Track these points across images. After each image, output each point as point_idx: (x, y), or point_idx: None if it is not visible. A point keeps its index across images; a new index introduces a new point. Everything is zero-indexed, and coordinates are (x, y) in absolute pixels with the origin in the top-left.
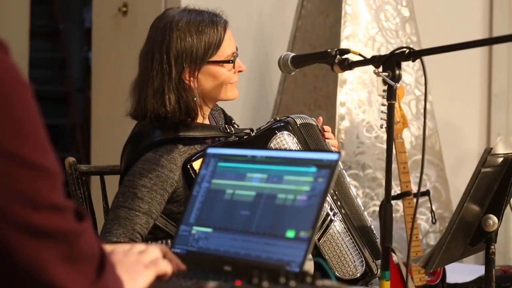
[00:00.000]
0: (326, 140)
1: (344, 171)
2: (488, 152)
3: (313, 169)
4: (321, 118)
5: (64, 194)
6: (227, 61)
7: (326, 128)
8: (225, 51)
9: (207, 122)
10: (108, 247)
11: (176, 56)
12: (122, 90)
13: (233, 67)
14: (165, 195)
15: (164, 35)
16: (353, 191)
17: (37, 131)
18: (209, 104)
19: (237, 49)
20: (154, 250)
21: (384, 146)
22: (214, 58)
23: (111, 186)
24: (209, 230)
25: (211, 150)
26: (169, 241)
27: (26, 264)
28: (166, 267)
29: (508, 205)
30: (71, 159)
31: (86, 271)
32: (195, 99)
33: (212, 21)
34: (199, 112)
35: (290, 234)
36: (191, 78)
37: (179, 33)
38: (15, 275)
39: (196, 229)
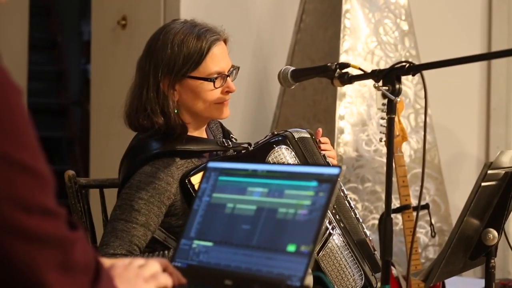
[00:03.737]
0: (323, 152)
1: (341, 183)
2: (488, 166)
3: (314, 184)
4: (320, 129)
5: (56, 201)
6: (205, 79)
7: (324, 140)
8: (208, 68)
9: (204, 135)
10: (108, 261)
11: (155, 64)
12: (120, 103)
13: (219, 86)
14: (163, 208)
15: (152, 43)
16: (351, 204)
17: (28, 135)
18: (199, 119)
19: (234, 68)
20: (154, 264)
21: (383, 159)
22: (194, 74)
23: (110, 199)
24: (209, 244)
25: (212, 164)
26: (166, 252)
27: (19, 268)
28: (166, 281)
29: None
30: (70, 172)
31: (81, 281)
32: (176, 111)
33: (199, 36)
34: (186, 125)
35: (291, 248)
36: (170, 90)
37: (162, 43)
38: (9, 278)
39: (196, 243)
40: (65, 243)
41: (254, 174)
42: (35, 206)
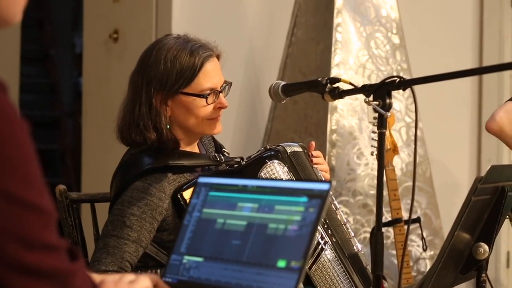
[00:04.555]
0: (315, 165)
1: (333, 197)
2: (479, 181)
3: (304, 199)
4: (313, 142)
5: (58, 233)
6: (198, 95)
7: (316, 153)
8: (200, 84)
9: (196, 150)
10: (98, 277)
11: (148, 80)
12: (112, 115)
13: (211, 102)
14: (155, 223)
15: (145, 58)
16: (343, 218)
17: (32, 171)
18: (192, 135)
19: (226, 84)
20: (145, 280)
21: (375, 173)
22: (187, 90)
23: (102, 213)
24: (200, 259)
25: (202, 180)
26: (158, 270)
27: None
28: None
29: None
30: (61, 186)
31: None
32: (168, 126)
33: (192, 52)
34: (178, 141)
35: (281, 264)
36: (163, 106)
37: (155, 59)
38: None
39: (187, 258)
40: (65, 276)
41: (244, 189)
42: (37, 242)
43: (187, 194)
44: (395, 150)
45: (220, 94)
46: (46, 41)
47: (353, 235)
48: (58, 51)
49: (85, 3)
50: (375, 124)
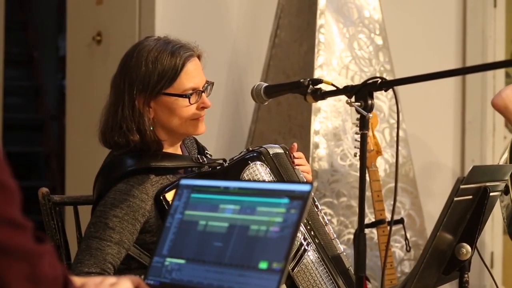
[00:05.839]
0: (297, 167)
1: (316, 198)
2: (461, 181)
3: (285, 201)
4: (295, 144)
5: (23, 214)
6: (180, 95)
7: (298, 154)
8: (182, 84)
9: (179, 152)
10: (79, 280)
11: (130, 82)
12: (96, 118)
13: (194, 102)
14: (137, 225)
15: (126, 61)
16: (325, 219)
17: None
18: (175, 135)
19: (208, 83)
20: (126, 283)
21: (358, 174)
22: (169, 90)
23: (85, 216)
24: (182, 261)
25: (184, 181)
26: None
27: None
28: None
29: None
30: (44, 189)
31: None
32: (151, 128)
33: (173, 53)
34: (161, 142)
35: (263, 265)
36: (146, 107)
37: (136, 61)
38: None
39: (169, 260)
40: (32, 256)
41: (226, 191)
42: (1, 218)
43: (169, 195)
44: (378, 151)
45: (203, 93)
46: (30, 43)
47: (335, 236)
48: (42, 53)
49: (69, 6)
50: (358, 125)
